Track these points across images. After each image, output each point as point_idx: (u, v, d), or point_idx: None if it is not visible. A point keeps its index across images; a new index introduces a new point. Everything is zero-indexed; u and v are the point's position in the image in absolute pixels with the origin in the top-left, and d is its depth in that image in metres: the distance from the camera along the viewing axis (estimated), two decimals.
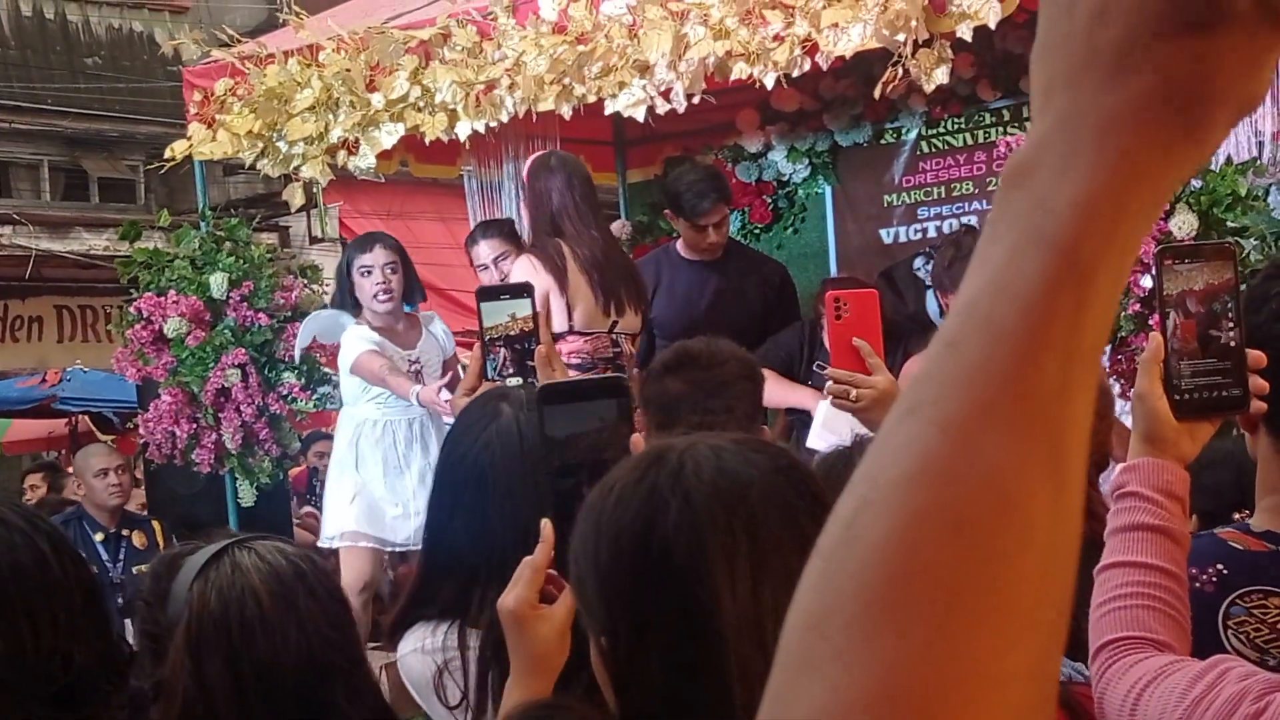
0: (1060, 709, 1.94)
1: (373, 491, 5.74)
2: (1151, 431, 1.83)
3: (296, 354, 6.46)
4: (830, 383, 2.56)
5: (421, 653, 2.38)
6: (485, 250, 5.96)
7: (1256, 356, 1.83)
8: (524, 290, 3.06)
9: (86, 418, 12.14)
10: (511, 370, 3.00)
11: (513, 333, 2.98)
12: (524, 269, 4.95)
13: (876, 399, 2.49)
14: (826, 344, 4.96)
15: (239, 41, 6.48)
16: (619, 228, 7.70)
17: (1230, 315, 1.81)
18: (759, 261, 6.16)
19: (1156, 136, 0.63)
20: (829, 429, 4.47)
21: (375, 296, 5.69)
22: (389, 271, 5.69)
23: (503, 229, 6.14)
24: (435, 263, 10.00)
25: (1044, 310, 0.62)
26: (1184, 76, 0.62)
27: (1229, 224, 4.55)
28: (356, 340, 5.68)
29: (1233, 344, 1.81)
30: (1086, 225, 0.62)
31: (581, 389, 1.98)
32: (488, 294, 3.09)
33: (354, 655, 2.09)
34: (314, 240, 13.69)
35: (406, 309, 5.97)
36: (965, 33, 4.65)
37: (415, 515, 5.56)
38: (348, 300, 5.80)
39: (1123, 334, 4.61)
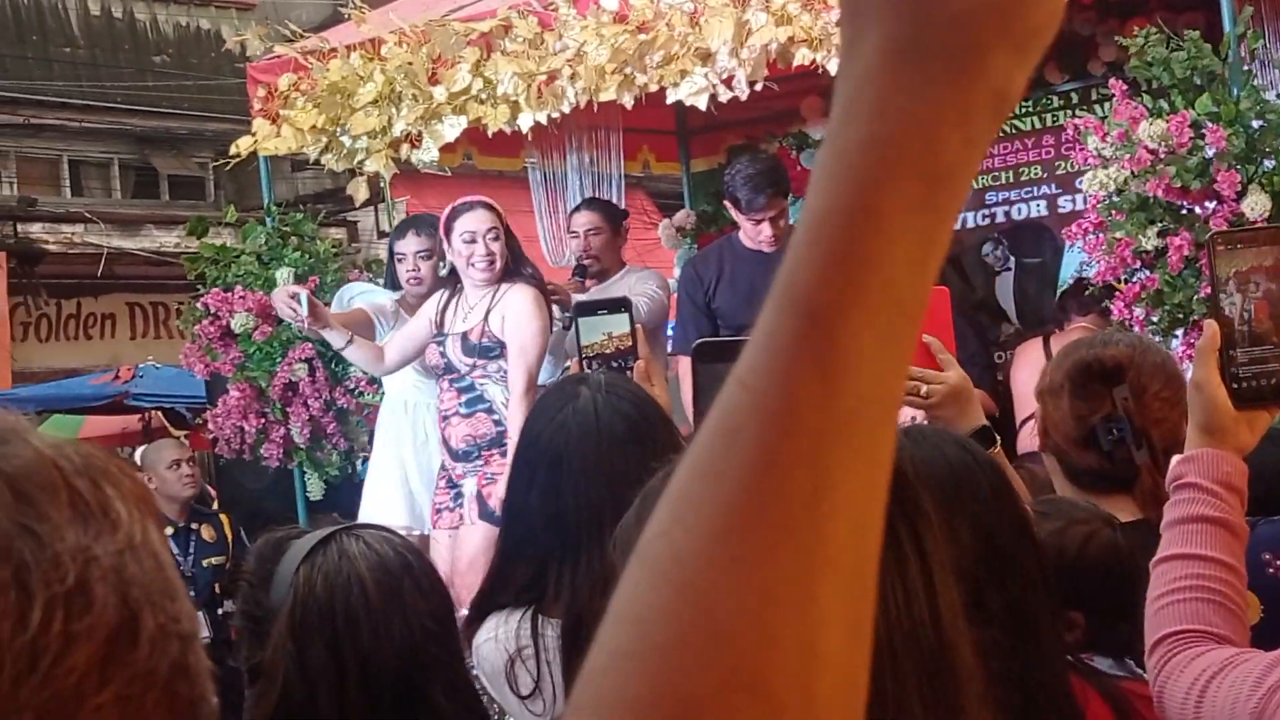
0: (1103, 701, 1.90)
1: (407, 473, 5.79)
2: (1209, 421, 1.80)
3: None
4: None
5: (495, 641, 2.38)
6: (580, 220, 6.41)
7: None
8: (621, 305, 3.01)
9: (159, 413, 12.25)
10: None
11: (609, 350, 2.95)
12: (534, 300, 5.14)
13: (948, 395, 2.44)
14: None
15: (302, 36, 6.51)
16: (683, 218, 7.67)
17: None
18: None
19: (913, 104, 0.49)
20: None
21: (407, 283, 5.87)
22: (420, 259, 5.82)
23: (604, 207, 6.55)
24: None
25: (778, 398, 0.51)
26: (920, 16, 0.48)
27: None
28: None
29: None
30: (823, 269, 0.50)
31: (737, 347, 2.04)
32: (585, 309, 3.06)
33: (454, 649, 2.09)
34: (382, 235, 13.75)
35: None
36: None
37: None
38: (392, 280, 6.04)
39: (1194, 318, 4.52)
